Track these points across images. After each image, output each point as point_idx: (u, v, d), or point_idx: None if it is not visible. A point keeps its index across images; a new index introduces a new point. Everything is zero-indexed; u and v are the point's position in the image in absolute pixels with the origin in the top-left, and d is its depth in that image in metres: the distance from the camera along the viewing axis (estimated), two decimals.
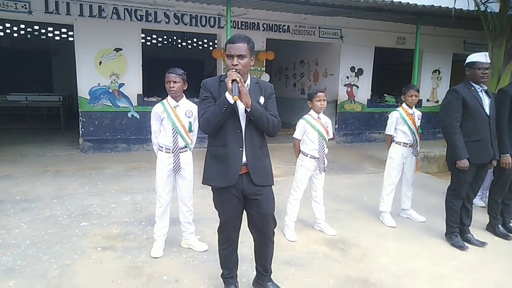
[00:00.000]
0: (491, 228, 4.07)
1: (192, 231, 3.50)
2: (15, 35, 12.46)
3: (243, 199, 2.48)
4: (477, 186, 3.74)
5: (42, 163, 6.52)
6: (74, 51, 7.18)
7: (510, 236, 3.94)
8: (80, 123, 7.41)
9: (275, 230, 2.65)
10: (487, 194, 4.35)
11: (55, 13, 6.88)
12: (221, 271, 2.72)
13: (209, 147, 2.49)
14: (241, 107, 2.35)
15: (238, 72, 2.25)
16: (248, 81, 2.41)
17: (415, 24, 7.19)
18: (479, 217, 4.26)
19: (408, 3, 6.26)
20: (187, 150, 3.33)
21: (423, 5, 6.32)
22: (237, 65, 2.27)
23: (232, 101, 2.22)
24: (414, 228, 4.18)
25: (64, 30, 12.68)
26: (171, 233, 3.54)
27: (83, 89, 7.31)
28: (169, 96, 3.30)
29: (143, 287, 2.85)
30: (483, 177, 3.75)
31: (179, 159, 3.26)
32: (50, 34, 12.79)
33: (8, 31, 12.24)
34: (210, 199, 4.69)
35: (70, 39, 12.87)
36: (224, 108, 2.25)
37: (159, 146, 3.33)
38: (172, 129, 3.21)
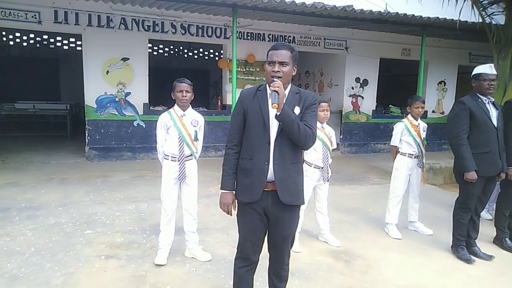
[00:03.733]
0: (498, 241, 4.02)
1: (196, 241, 3.50)
2: (24, 44, 12.65)
3: (266, 218, 2.32)
4: (485, 199, 3.71)
5: (48, 171, 6.56)
6: (82, 60, 7.28)
7: None
8: (86, 131, 7.46)
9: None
10: (494, 206, 4.31)
11: (64, 23, 6.99)
12: None
13: (239, 159, 2.36)
14: (272, 118, 2.23)
15: (280, 78, 2.19)
16: (287, 90, 2.29)
17: (420, 36, 7.23)
18: (486, 230, 4.21)
19: (413, 15, 6.30)
20: (192, 159, 3.34)
21: (428, 17, 6.35)
22: (278, 72, 2.19)
23: (278, 113, 2.17)
24: (420, 240, 4.13)
25: (72, 39, 12.86)
26: (175, 243, 3.52)
27: (90, 98, 7.38)
28: (175, 105, 3.33)
29: None
30: (492, 190, 3.72)
31: (185, 167, 3.27)
32: (58, 44, 12.98)
33: (17, 40, 12.45)
34: (214, 209, 4.69)
35: (78, 48, 13.04)
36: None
37: (165, 154, 3.34)
38: (179, 138, 3.23)
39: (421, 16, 6.34)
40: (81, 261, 3.34)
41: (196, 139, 3.31)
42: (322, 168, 3.76)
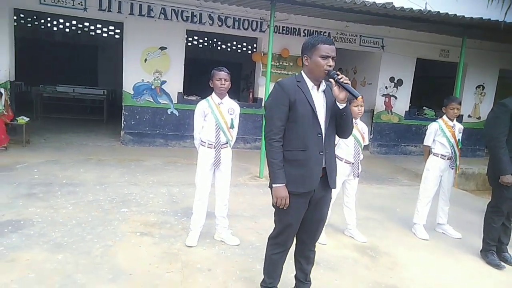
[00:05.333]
0: None
1: (226, 226, 3.62)
2: (67, 30, 13.21)
3: (308, 203, 2.42)
4: None
5: (86, 152, 6.89)
6: (121, 48, 7.56)
7: None
8: (122, 117, 7.76)
9: None
10: None
11: (107, 11, 7.27)
12: (262, 278, 2.61)
13: (285, 151, 2.34)
14: (321, 110, 2.33)
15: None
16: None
17: (460, 37, 7.03)
18: None
19: (455, 14, 6.13)
20: (227, 146, 3.46)
21: (471, 18, 6.16)
22: (331, 66, 2.27)
23: (342, 106, 2.27)
24: (448, 243, 4.10)
25: (111, 27, 13.32)
26: (205, 226, 3.65)
27: (128, 84, 7.66)
28: (213, 93, 3.44)
29: (178, 272, 2.99)
30: None
31: (220, 154, 3.39)
32: (98, 31, 13.47)
33: (61, 26, 13.02)
34: (242, 196, 4.82)
35: (116, 36, 13.52)
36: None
37: (201, 141, 3.47)
38: (215, 125, 3.35)
39: (463, 16, 6.16)
40: (118, 235, 3.55)
41: (232, 126, 3.43)
42: (352, 163, 3.80)
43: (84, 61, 13.63)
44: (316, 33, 8.48)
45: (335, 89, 2.26)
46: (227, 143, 3.45)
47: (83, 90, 10.99)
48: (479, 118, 10.04)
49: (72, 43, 13.47)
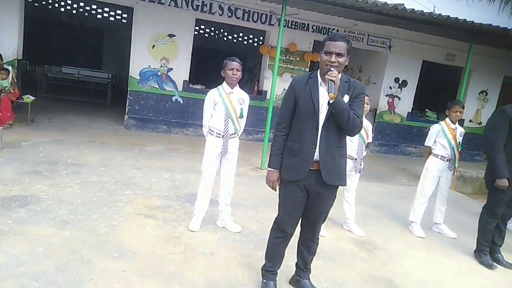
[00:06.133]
0: None
1: (228, 213, 3.71)
2: (74, 12, 13.18)
3: (307, 194, 2.51)
4: None
5: (90, 134, 6.95)
6: (127, 33, 7.58)
7: None
8: (127, 101, 7.81)
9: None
10: None
11: None
12: (263, 263, 2.73)
13: (287, 141, 2.54)
14: (323, 105, 2.39)
15: (336, 68, 2.33)
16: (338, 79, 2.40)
17: (467, 42, 7.08)
18: (511, 241, 4.23)
19: (465, 20, 6.17)
20: (235, 136, 3.53)
21: (480, 23, 6.21)
22: (334, 62, 2.32)
23: (331, 102, 2.31)
24: (443, 242, 4.21)
25: (118, 11, 13.29)
26: (207, 212, 3.73)
27: (135, 69, 7.69)
28: (224, 82, 3.50)
29: (181, 254, 3.08)
30: None
31: (228, 144, 3.46)
32: (105, 14, 13.44)
33: (68, 7, 12.98)
34: (244, 186, 4.90)
35: (124, 21, 13.50)
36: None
37: (210, 130, 3.52)
38: (225, 114, 3.41)
39: (473, 22, 6.21)
40: (122, 216, 3.63)
41: (241, 116, 3.49)
42: (355, 159, 3.88)
43: (90, 44, 13.63)
44: (325, 29, 8.53)
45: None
46: (235, 133, 3.51)
47: (88, 72, 11.02)
48: (480, 123, 10.12)
49: (78, 25, 13.45)
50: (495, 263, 3.67)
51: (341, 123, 2.38)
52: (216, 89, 3.53)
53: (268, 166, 2.59)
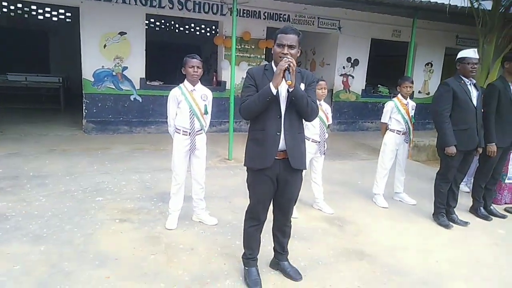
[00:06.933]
0: (473, 210, 4.46)
1: (203, 207, 3.80)
2: (12, 14, 12.39)
3: (276, 182, 2.62)
4: (464, 171, 4.11)
5: (47, 142, 6.71)
6: (74, 33, 7.31)
7: (490, 218, 4.33)
8: (83, 105, 7.58)
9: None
10: (472, 180, 4.73)
11: None
12: (243, 252, 2.85)
13: (250, 131, 2.63)
14: (283, 94, 2.48)
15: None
16: None
17: (411, 18, 7.48)
18: (464, 201, 4.65)
19: None
20: (202, 133, 3.60)
21: (420, 1, 6.60)
22: (287, 54, 2.41)
23: (275, 92, 2.39)
24: (405, 209, 4.55)
25: (62, 11, 12.66)
26: (182, 209, 3.79)
27: (87, 71, 7.45)
28: (185, 80, 3.54)
29: (162, 253, 3.15)
30: (469, 163, 4.12)
31: (195, 140, 3.53)
32: (47, 15, 12.75)
33: (4, 9, 12.18)
34: (215, 179, 4.98)
35: (68, 20, 12.90)
36: (268, 99, 2.41)
37: (176, 128, 3.56)
38: (189, 111, 3.47)
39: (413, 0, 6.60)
40: (97, 224, 3.62)
41: (206, 112, 3.56)
42: (319, 142, 4.09)
43: (35, 48, 12.88)
44: (276, 15, 8.65)
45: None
46: (201, 129, 3.58)
47: (36, 78, 10.48)
48: (428, 93, 10.76)
49: (19, 29, 12.66)
50: (451, 223, 4.04)
51: (301, 110, 2.51)
52: (178, 87, 3.57)
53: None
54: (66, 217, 3.72)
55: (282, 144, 2.54)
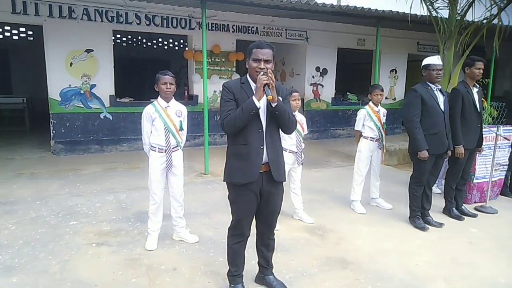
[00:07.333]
0: (446, 211, 4.62)
1: (183, 225, 3.74)
2: None
3: (259, 196, 2.61)
4: (435, 174, 4.26)
5: (14, 166, 6.42)
6: (38, 52, 7.10)
7: (462, 217, 4.49)
8: (51, 125, 7.32)
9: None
10: (443, 182, 4.91)
11: (22, 14, 6.76)
12: (227, 269, 2.81)
13: (230, 146, 2.61)
14: (262, 107, 2.47)
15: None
16: None
17: (375, 27, 7.77)
18: (437, 202, 4.79)
19: (370, 8, 6.79)
20: (178, 149, 3.56)
21: (383, 10, 6.88)
22: (264, 68, 2.44)
23: (259, 106, 2.39)
24: (382, 214, 4.65)
25: (22, 29, 12.25)
26: (162, 228, 3.71)
27: (54, 91, 7.22)
28: (159, 97, 3.50)
29: (144, 276, 3.06)
30: (440, 166, 4.28)
31: (171, 158, 3.47)
32: (7, 34, 12.30)
33: None
34: (192, 194, 4.90)
35: (30, 38, 12.48)
36: (252, 112, 2.40)
37: (152, 146, 3.50)
38: (164, 129, 3.42)
39: (376, 10, 6.86)
40: (73, 249, 3.48)
41: (181, 129, 3.52)
42: (296, 152, 4.13)
43: None
44: (244, 28, 8.74)
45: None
46: (177, 146, 3.54)
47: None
48: (394, 99, 11.14)
49: None
50: (427, 225, 4.16)
51: (283, 123, 2.54)
52: (151, 104, 3.52)
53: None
54: (39, 244, 3.55)
55: (264, 157, 2.55)
